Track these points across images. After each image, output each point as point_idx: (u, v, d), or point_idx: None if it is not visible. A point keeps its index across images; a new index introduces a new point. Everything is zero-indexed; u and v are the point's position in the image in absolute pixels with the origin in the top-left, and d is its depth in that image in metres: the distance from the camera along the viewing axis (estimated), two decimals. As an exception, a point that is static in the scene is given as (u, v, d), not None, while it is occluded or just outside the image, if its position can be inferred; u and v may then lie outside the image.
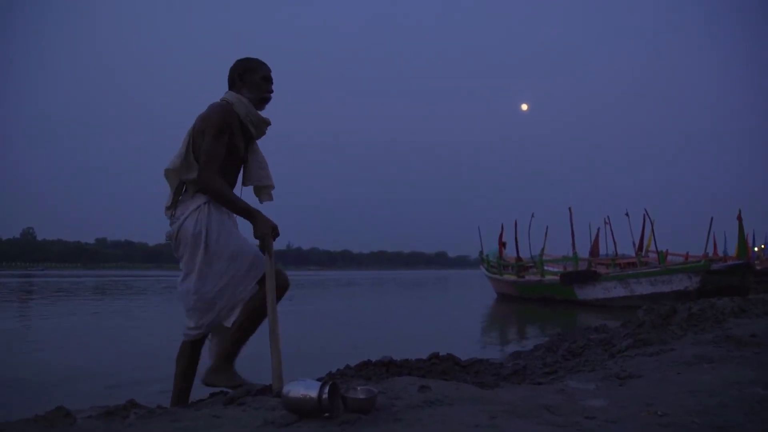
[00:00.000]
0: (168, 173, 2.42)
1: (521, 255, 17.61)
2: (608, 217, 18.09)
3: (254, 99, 2.49)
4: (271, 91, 2.55)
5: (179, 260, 2.43)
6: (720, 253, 20.46)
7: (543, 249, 16.35)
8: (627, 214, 16.57)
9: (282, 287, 2.40)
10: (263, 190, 2.65)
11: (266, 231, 2.32)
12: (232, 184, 2.53)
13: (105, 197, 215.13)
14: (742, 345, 2.92)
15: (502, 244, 18.80)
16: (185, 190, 2.46)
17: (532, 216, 17.95)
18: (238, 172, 2.58)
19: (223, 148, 2.37)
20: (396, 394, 1.97)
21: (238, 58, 2.56)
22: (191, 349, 2.43)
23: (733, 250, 18.37)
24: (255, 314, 2.33)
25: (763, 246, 27.78)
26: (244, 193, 2.55)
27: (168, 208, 2.45)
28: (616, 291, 13.05)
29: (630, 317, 4.34)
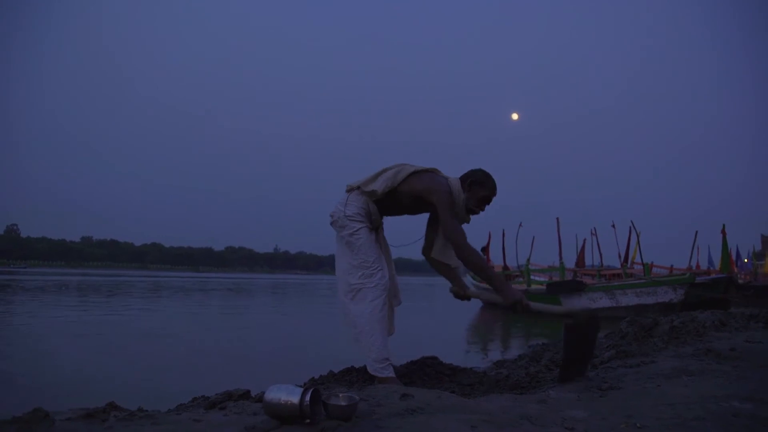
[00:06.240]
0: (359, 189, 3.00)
1: (508, 264, 17.70)
2: (595, 228, 18.31)
3: (467, 205, 2.92)
4: (483, 210, 2.99)
5: None
6: (704, 267, 20.71)
7: (529, 258, 16.45)
8: (613, 226, 16.79)
9: None
10: (442, 265, 3.16)
11: (518, 297, 2.63)
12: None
13: (93, 194, 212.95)
14: (722, 358, 2.95)
15: (487, 253, 18.90)
16: (357, 190, 3.00)
17: (520, 225, 18.11)
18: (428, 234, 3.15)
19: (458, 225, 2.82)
20: (378, 401, 1.97)
21: (484, 170, 2.97)
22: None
23: (717, 264, 18.59)
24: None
25: (746, 260, 28.15)
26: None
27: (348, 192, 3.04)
28: (602, 302, 13.13)
29: (614, 328, 4.37)
